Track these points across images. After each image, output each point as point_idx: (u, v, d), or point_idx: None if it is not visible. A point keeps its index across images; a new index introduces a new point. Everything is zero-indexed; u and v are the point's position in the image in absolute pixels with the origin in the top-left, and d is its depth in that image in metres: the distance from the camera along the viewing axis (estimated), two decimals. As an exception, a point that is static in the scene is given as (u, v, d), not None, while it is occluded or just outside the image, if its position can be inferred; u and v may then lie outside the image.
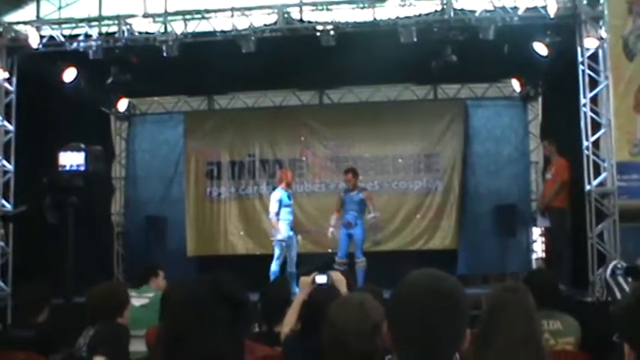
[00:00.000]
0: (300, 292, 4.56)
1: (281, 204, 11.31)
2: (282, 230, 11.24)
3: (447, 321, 2.01)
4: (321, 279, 4.45)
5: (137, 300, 6.40)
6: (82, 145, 4.88)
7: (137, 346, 4.93)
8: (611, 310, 2.08)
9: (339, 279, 4.48)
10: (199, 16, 10.45)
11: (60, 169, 4.73)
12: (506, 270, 12.81)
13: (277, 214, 11.29)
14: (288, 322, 4.36)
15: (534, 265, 13.14)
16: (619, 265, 8.78)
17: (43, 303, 5.28)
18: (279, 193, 11.46)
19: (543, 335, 4.09)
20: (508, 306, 3.27)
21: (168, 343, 2.48)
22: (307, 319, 4.08)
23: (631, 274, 8.16)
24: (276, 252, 11.27)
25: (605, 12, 9.61)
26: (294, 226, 11.69)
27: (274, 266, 11.14)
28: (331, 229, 11.67)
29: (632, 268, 8.29)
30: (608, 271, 8.78)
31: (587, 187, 9.37)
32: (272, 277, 10.77)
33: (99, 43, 10.43)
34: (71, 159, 4.71)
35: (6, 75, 10.42)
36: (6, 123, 10.47)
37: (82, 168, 4.76)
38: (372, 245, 11.89)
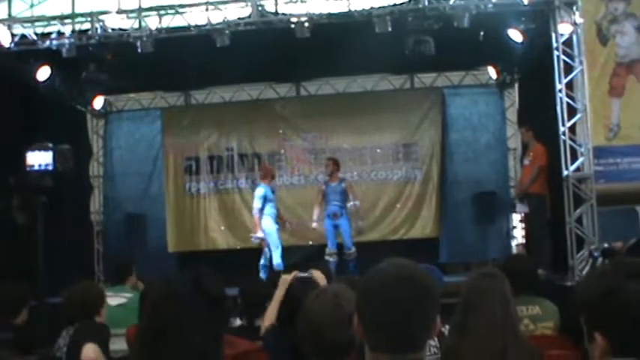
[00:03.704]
0: (279, 289, 4.56)
1: (265, 200, 11.26)
2: (267, 226, 11.20)
3: (415, 310, 2.01)
4: (302, 277, 4.44)
5: (114, 299, 6.35)
6: (50, 145, 4.82)
7: (116, 345, 4.90)
8: (578, 294, 2.03)
9: (320, 277, 4.48)
10: (173, 11, 10.39)
11: (28, 169, 4.67)
12: (487, 257, 12.85)
13: (261, 210, 11.23)
14: (269, 318, 4.36)
15: (515, 251, 13.22)
16: (596, 248, 8.87)
17: (22, 305, 5.24)
18: (262, 190, 11.39)
19: (520, 320, 4.14)
20: (485, 292, 3.31)
21: (147, 339, 2.47)
22: (286, 313, 4.08)
23: (608, 255, 8.24)
24: (267, 246, 11.22)
25: (578, -3, 9.67)
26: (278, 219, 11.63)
27: (264, 260, 11.12)
28: (314, 224, 11.66)
29: (609, 249, 8.37)
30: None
31: (565, 172, 9.43)
32: (261, 271, 10.78)
33: (72, 40, 10.34)
34: (39, 158, 4.64)
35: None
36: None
37: (51, 167, 4.69)
38: (356, 234, 11.89)
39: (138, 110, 14.77)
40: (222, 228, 13.78)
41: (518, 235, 13.57)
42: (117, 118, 14.69)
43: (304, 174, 13.77)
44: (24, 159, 4.67)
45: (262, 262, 11.14)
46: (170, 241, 13.79)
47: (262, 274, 10.85)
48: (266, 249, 11.19)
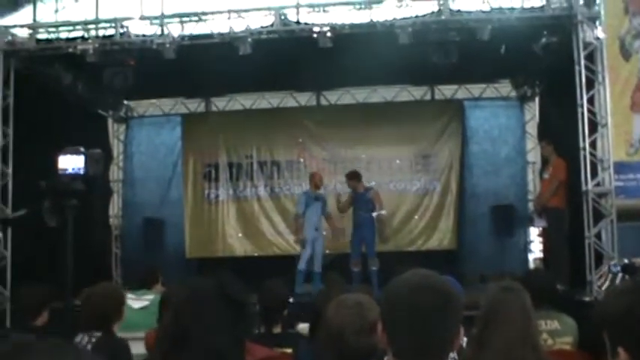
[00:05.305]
0: None
1: (305, 206, 11.38)
2: (306, 230, 11.30)
3: (439, 319, 2.04)
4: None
5: (136, 302, 6.34)
6: (82, 149, 4.86)
7: (135, 349, 4.90)
8: (600, 311, 2.03)
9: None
10: (196, 18, 10.47)
11: (60, 172, 4.71)
12: (504, 270, 12.79)
13: (303, 214, 11.37)
14: None
15: (532, 265, 13.16)
16: (615, 264, 8.80)
17: (42, 306, 5.27)
18: (302, 195, 11.62)
19: (540, 334, 4.12)
20: (505, 306, 3.29)
21: (168, 343, 2.49)
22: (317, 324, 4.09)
23: (628, 271, 8.18)
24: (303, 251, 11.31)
25: (602, 12, 9.62)
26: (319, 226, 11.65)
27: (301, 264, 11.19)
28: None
29: (629, 265, 8.30)
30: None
31: (585, 187, 9.36)
32: (298, 276, 10.91)
33: (96, 45, 10.41)
34: (71, 162, 4.69)
35: None
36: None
37: (82, 171, 4.74)
38: (380, 242, 11.77)
39: (159, 116, 14.86)
40: (240, 235, 13.81)
41: (536, 249, 13.50)
42: (138, 123, 14.79)
43: (323, 183, 13.72)
44: (55, 163, 4.72)
45: (302, 267, 11.21)
46: (188, 247, 13.84)
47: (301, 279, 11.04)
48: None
